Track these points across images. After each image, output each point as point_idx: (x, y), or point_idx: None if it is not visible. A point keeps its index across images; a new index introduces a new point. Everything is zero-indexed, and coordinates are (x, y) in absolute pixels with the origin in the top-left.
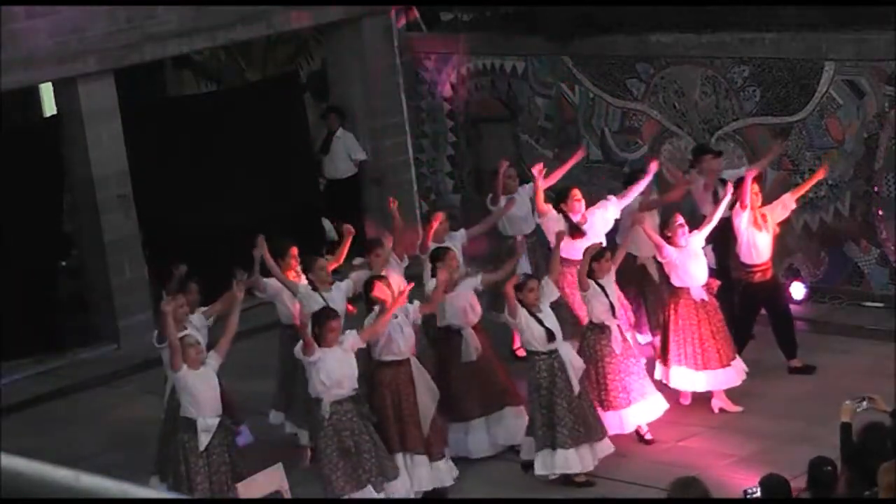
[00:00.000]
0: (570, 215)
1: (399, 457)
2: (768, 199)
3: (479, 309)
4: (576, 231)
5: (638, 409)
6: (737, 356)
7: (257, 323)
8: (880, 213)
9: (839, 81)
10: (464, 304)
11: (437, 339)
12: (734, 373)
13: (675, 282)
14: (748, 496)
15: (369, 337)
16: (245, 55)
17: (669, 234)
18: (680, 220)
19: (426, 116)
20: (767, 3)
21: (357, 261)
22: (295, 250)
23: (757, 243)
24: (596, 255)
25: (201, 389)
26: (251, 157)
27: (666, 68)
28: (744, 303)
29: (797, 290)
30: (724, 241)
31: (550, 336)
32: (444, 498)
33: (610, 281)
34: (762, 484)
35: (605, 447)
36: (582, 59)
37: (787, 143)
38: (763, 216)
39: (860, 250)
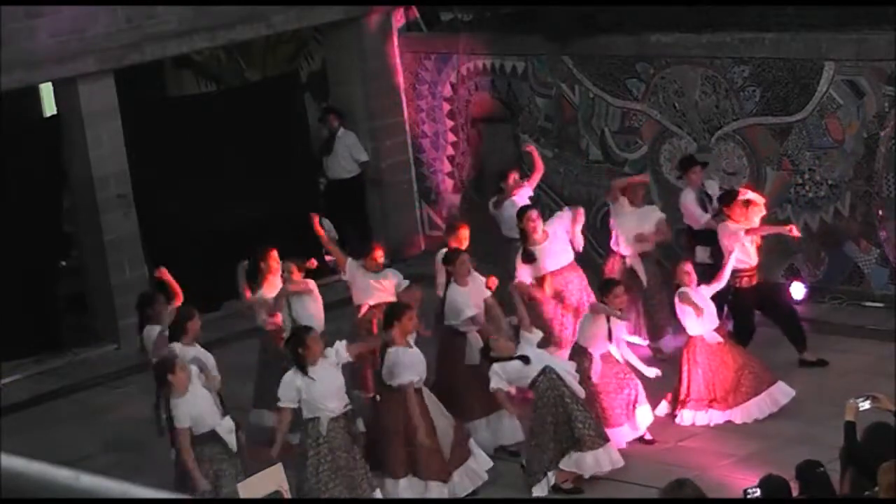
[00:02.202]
0: (531, 236)
1: (404, 481)
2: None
3: (483, 313)
4: (527, 257)
5: (631, 425)
6: (777, 381)
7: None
8: (880, 213)
9: (839, 81)
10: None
11: (441, 338)
12: (778, 394)
13: (690, 331)
14: (748, 496)
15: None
16: (245, 55)
17: (677, 282)
18: (688, 267)
19: (426, 116)
20: (767, 3)
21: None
22: (275, 252)
23: (748, 252)
24: (609, 287)
25: (201, 405)
26: (251, 158)
27: (666, 68)
28: (736, 306)
29: (797, 290)
30: (712, 241)
31: (525, 360)
32: (443, 499)
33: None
34: (762, 484)
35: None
36: (582, 59)
37: (786, 143)
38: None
39: (860, 250)
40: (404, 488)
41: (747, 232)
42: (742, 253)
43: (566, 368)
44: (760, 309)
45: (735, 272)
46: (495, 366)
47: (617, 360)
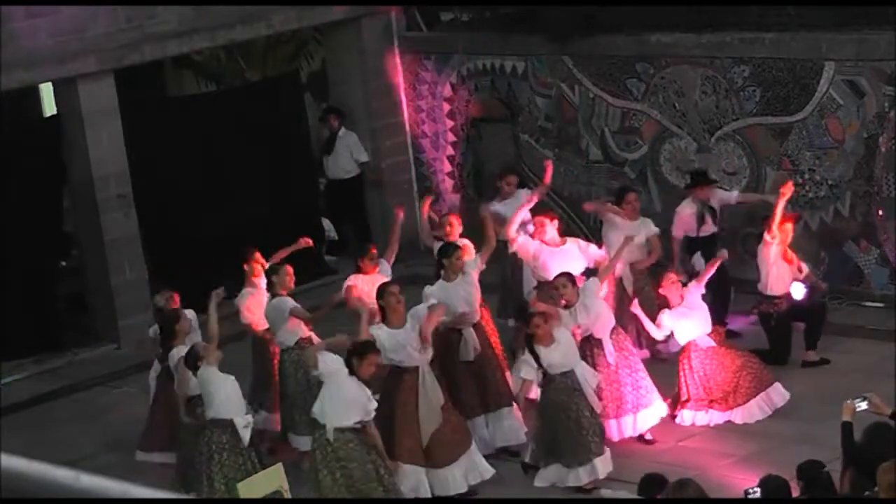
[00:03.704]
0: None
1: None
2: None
3: (477, 308)
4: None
5: (631, 420)
6: (775, 382)
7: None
8: (880, 213)
9: (839, 81)
10: (460, 303)
11: (436, 335)
12: (775, 395)
13: (681, 340)
14: (748, 496)
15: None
16: (245, 55)
17: (664, 294)
18: (673, 277)
19: (426, 116)
20: (767, 3)
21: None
22: (258, 254)
23: (783, 276)
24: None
25: (227, 392)
26: (251, 158)
27: (666, 68)
28: (780, 330)
29: (797, 290)
30: (711, 249)
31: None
32: (450, 497)
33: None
34: (762, 484)
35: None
36: (582, 59)
37: (786, 143)
38: (792, 251)
39: (860, 250)
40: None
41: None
42: (780, 281)
43: (588, 379)
44: (796, 319)
45: (772, 298)
46: (525, 357)
47: (627, 352)
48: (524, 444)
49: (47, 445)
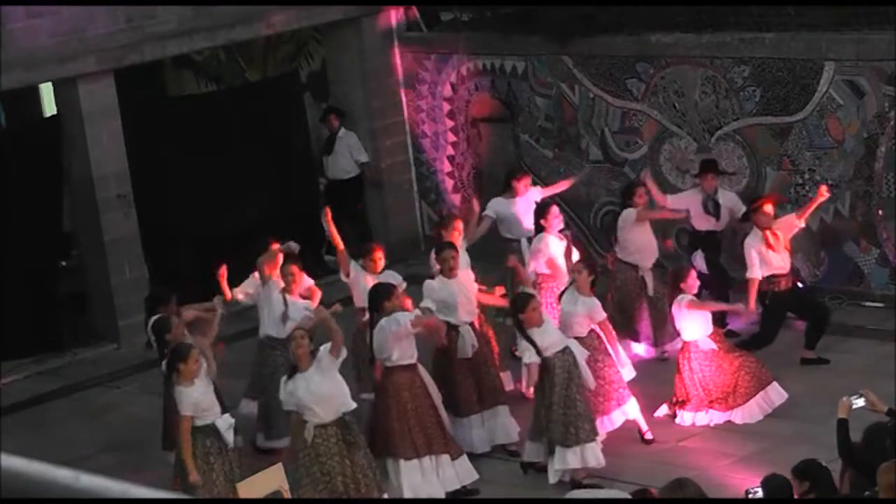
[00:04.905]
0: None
1: (425, 461)
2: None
3: (475, 306)
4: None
5: (600, 421)
6: (773, 381)
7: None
8: (880, 212)
9: (839, 81)
10: (459, 300)
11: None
12: (774, 394)
13: (685, 336)
14: (750, 496)
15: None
16: (245, 55)
17: (684, 288)
18: (695, 276)
19: (426, 116)
20: (767, 3)
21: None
22: (277, 245)
23: (771, 260)
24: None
25: (205, 398)
26: (251, 158)
27: (666, 68)
28: (771, 310)
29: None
30: (712, 247)
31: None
32: (452, 499)
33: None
34: (764, 484)
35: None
36: (582, 59)
37: (787, 142)
38: (775, 235)
39: (860, 250)
40: (427, 469)
41: (799, 216)
42: (768, 264)
43: (583, 354)
44: (793, 310)
45: (771, 277)
46: (524, 344)
47: (600, 349)
48: (522, 442)
49: (47, 445)
